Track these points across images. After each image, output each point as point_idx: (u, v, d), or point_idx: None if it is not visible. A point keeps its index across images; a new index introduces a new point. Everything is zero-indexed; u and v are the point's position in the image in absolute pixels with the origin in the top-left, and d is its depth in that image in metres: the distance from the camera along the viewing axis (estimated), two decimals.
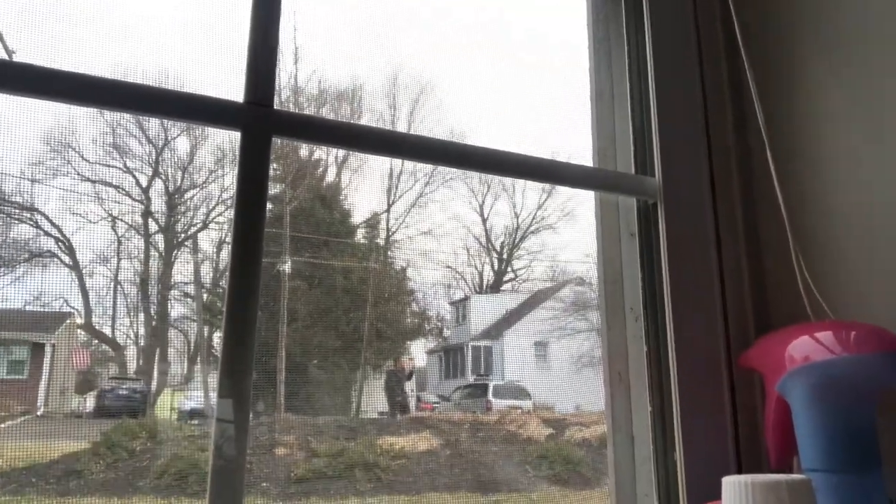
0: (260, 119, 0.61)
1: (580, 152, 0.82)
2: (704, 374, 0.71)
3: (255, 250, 0.58)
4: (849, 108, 0.70)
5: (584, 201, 0.81)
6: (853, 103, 0.69)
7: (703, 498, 0.61)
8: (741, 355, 0.69)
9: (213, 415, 0.56)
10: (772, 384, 0.60)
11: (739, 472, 0.69)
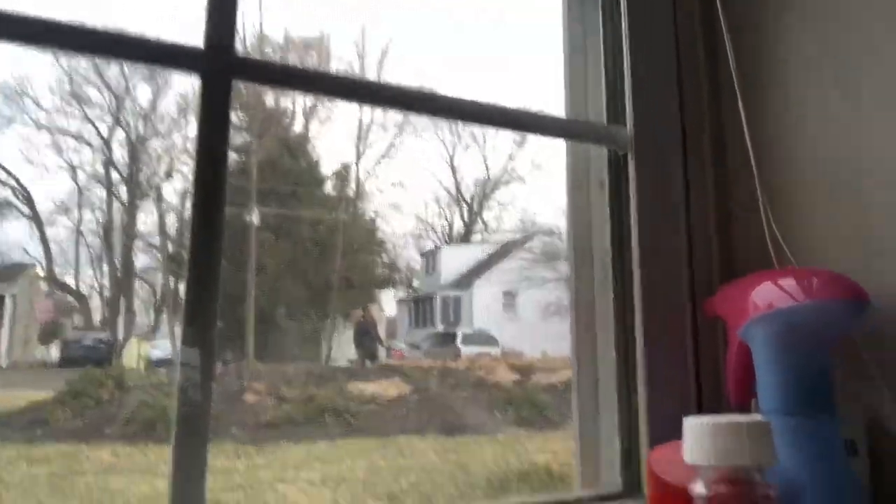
0: (220, 62, 0.59)
1: (552, 104, 0.81)
2: (669, 321, 0.72)
3: (218, 197, 0.57)
4: (821, 61, 0.70)
5: (554, 153, 0.81)
6: (825, 56, 0.69)
7: (665, 439, 0.62)
8: (705, 302, 0.71)
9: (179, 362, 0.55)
10: (734, 330, 0.62)
11: (700, 413, 0.71)
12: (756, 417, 0.45)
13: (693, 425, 0.46)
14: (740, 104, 0.73)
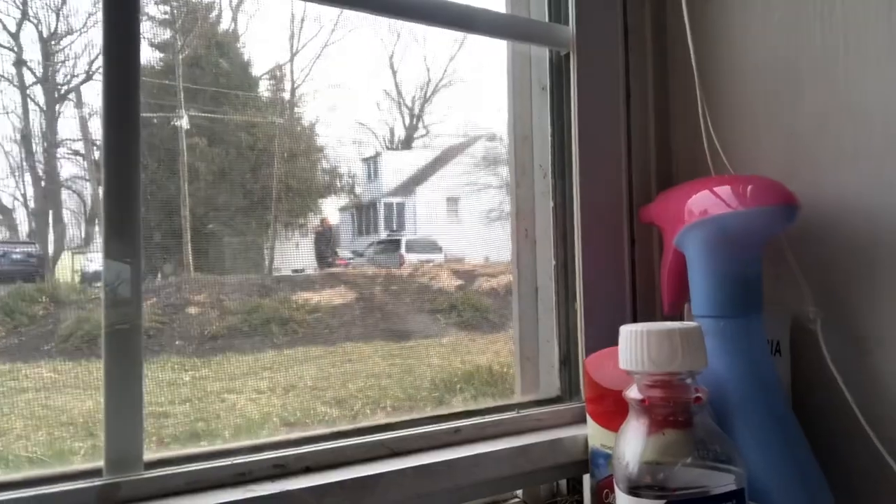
0: None
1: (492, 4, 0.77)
2: (607, 229, 0.73)
3: (131, 103, 0.52)
4: None
5: (496, 54, 0.78)
6: None
7: (602, 345, 0.64)
8: (642, 210, 0.71)
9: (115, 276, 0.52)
10: (670, 238, 0.62)
11: (635, 320, 0.73)
12: (688, 324, 0.46)
13: (627, 332, 0.47)
14: (683, 5, 0.71)
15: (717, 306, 0.56)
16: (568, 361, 0.74)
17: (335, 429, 0.57)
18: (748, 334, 0.55)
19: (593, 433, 0.61)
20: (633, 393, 0.47)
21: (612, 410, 0.58)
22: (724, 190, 0.57)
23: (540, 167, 0.77)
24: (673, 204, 0.63)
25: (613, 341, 0.49)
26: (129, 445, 0.51)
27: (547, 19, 0.75)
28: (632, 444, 0.46)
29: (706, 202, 0.58)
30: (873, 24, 0.59)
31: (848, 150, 0.60)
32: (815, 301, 0.59)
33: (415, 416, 0.64)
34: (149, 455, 0.52)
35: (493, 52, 0.81)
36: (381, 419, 0.62)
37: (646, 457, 0.45)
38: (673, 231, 0.61)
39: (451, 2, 0.68)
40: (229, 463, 0.52)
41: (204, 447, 0.53)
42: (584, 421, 0.63)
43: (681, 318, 0.64)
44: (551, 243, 0.75)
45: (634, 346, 0.46)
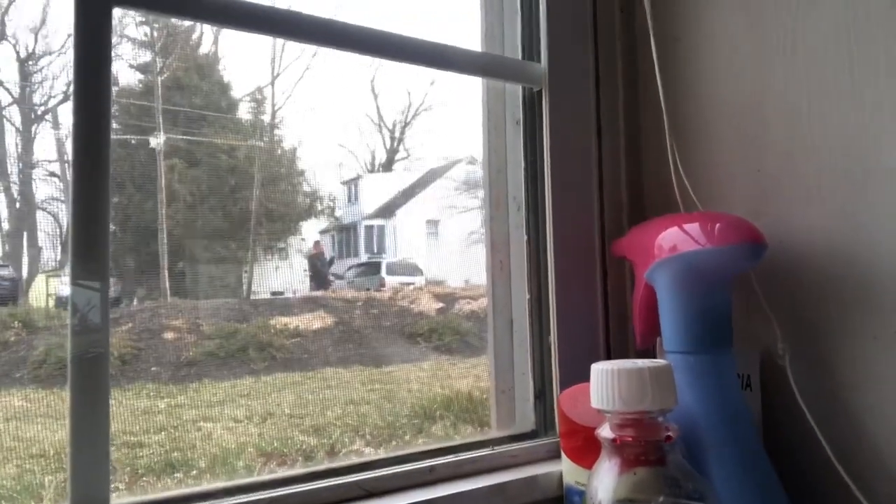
0: None
1: (467, 42, 0.78)
2: (579, 263, 0.74)
3: (101, 132, 0.52)
4: (734, 6, 0.70)
5: (473, 82, 0.79)
6: (738, 5, 0.69)
7: (576, 379, 0.64)
8: (614, 244, 0.72)
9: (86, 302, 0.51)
10: (641, 272, 0.63)
11: (608, 355, 0.74)
12: (659, 362, 0.47)
13: (599, 371, 0.47)
14: (653, 45, 0.72)
15: (687, 342, 0.56)
16: (543, 395, 0.74)
17: (308, 469, 0.57)
18: (718, 370, 0.56)
19: (567, 470, 0.61)
20: (604, 432, 0.47)
21: (586, 447, 0.58)
22: (693, 227, 0.58)
23: (514, 200, 0.77)
24: (644, 239, 0.64)
25: (587, 375, 0.49)
26: (96, 491, 0.50)
27: (520, 56, 0.77)
28: (604, 483, 0.46)
29: (675, 238, 0.59)
30: (833, 62, 0.60)
31: (812, 187, 0.61)
32: (784, 336, 0.60)
33: (391, 452, 0.63)
34: (117, 499, 0.51)
35: (471, 80, 0.82)
36: (357, 453, 0.62)
37: (618, 495, 0.45)
38: (644, 265, 0.62)
39: (426, 41, 0.69)
40: None
41: (173, 492, 0.52)
42: (558, 457, 0.63)
43: (653, 352, 0.65)
44: (525, 276, 0.75)
45: (605, 385, 0.46)
